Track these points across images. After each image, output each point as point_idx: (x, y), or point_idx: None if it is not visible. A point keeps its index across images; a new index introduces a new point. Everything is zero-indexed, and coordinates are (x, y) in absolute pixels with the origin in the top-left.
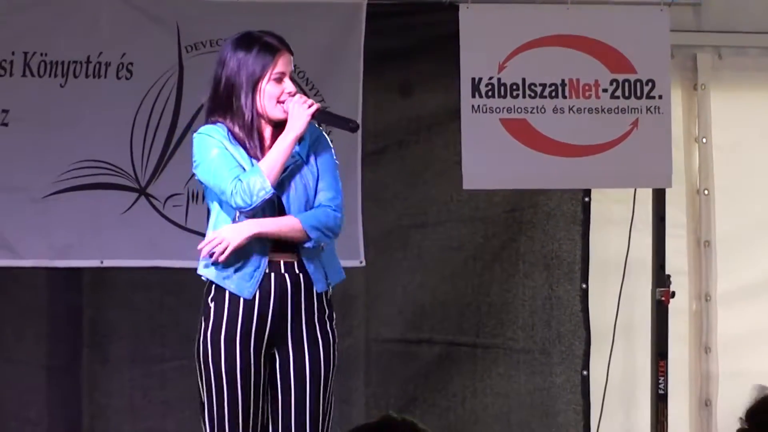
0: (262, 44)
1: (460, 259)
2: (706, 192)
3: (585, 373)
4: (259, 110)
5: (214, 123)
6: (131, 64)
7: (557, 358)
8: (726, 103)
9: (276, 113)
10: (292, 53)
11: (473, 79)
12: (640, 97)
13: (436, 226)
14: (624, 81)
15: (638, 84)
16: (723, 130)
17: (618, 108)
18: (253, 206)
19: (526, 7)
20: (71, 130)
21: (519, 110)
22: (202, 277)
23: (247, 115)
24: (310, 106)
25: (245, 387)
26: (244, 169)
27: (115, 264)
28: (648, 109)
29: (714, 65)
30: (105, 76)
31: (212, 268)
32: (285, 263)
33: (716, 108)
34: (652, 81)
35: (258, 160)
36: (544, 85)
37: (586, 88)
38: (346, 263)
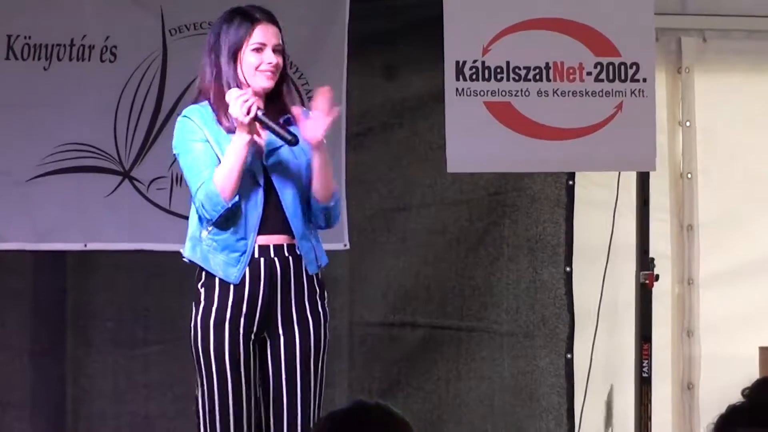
0: (242, 14)
1: (443, 242)
2: (689, 176)
3: (569, 356)
4: (241, 80)
5: (198, 102)
6: (115, 47)
7: (541, 341)
8: (710, 87)
9: (258, 82)
10: (278, 26)
11: (457, 62)
12: (625, 81)
13: (420, 209)
14: (608, 64)
15: (622, 67)
16: (707, 113)
17: (602, 91)
18: (214, 220)
19: None
20: (55, 114)
21: (503, 93)
22: (185, 260)
23: (232, 84)
24: (248, 112)
25: (235, 372)
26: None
27: (98, 247)
28: (632, 93)
29: (698, 48)
30: (89, 59)
31: (198, 251)
32: (275, 246)
33: (700, 91)
34: (637, 64)
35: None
36: (528, 68)
37: (570, 71)
38: (329, 246)
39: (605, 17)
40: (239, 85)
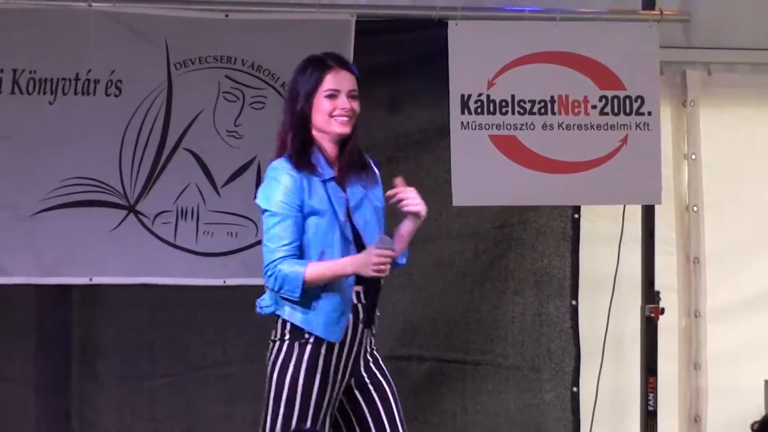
0: (315, 62)
1: (449, 275)
2: (695, 209)
3: (575, 389)
4: (315, 125)
5: (285, 156)
6: (120, 81)
7: (547, 374)
8: (715, 120)
9: (333, 128)
10: (352, 72)
11: (462, 96)
12: (630, 114)
13: (426, 243)
14: (613, 97)
15: (627, 100)
16: (712, 146)
17: (607, 124)
18: (273, 292)
19: (515, 23)
20: (60, 148)
21: (508, 127)
22: (262, 312)
23: (302, 132)
24: (377, 272)
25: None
26: (321, 212)
27: (104, 281)
28: (637, 126)
29: (703, 81)
30: (94, 93)
31: (288, 308)
32: (364, 293)
33: (705, 124)
34: (641, 97)
35: (322, 176)
36: (533, 102)
37: (575, 104)
38: None
39: (610, 51)
40: (310, 132)
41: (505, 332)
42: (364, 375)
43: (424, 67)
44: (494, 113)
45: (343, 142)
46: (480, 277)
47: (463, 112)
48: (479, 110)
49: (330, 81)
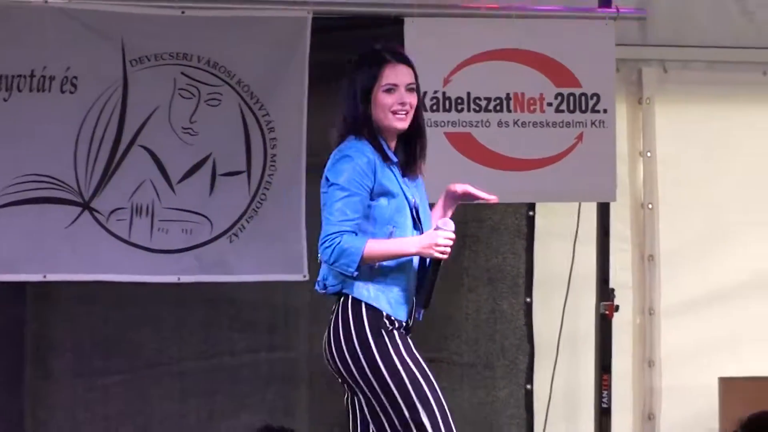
0: (372, 56)
1: None
2: (650, 206)
3: (529, 387)
4: (375, 121)
5: (357, 138)
6: (75, 78)
7: (501, 372)
8: (671, 117)
9: (392, 123)
10: (410, 65)
11: None
12: (585, 111)
13: None
14: (569, 95)
15: (583, 98)
16: (667, 144)
17: (563, 122)
18: (328, 263)
19: (471, 21)
20: (15, 145)
21: (464, 124)
22: (328, 291)
23: (363, 121)
24: (441, 252)
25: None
26: (393, 193)
27: (58, 278)
28: (593, 123)
29: (659, 79)
30: (49, 90)
31: (360, 287)
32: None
33: (661, 122)
34: (597, 95)
35: (391, 161)
36: (488, 99)
37: (531, 102)
38: (289, 277)
39: (566, 48)
40: (373, 126)
41: (459, 329)
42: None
43: None
44: (450, 111)
45: (405, 136)
46: None
47: None
48: (435, 108)
49: (388, 75)
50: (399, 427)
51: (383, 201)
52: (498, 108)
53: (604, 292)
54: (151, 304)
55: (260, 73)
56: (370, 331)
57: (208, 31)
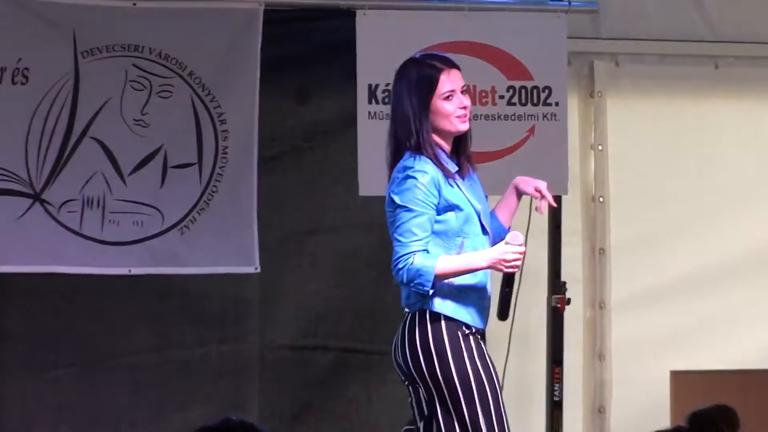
0: (423, 66)
1: (355, 265)
2: (601, 199)
3: None
4: (435, 126)
5: (416, 156)
6: (27, 69)
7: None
8: (622, 111)
9: (454, 127)
10: (458, 67)
11: (370, 86)
12: (537, 104)
13: (332, 233)
14: (521, 88)
15: (535, 91)
16: (619, 137)
17: (515, 115)
18: (402, 283)
19: (423, 13)
20: None
21: None
22: (410, 310)
23: (429, 139)
24: (511, 267)
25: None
26: (459, 207)
27: (8, 270)
28: (544, 116)
29: (611, 73)
30: (0, 81)
31: (438, 301)
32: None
33: (612, 115)
34: (549, 88)
35: (455, 180)
36: None
37: (483, 94)
38: (240, 269)
39: (518, 41)
40: (432, 138)
41: None
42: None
43: (332, 56)
44: None
45: (457, 137)
46: (386, 268)
47: (370, 102)
48: (386, 100)
49: (445, 83)
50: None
51: (451, 215)
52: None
53: (556, 286)
54: (102, 297)
55: (212, 65)
56: (449, 340)
57: (159, 22)
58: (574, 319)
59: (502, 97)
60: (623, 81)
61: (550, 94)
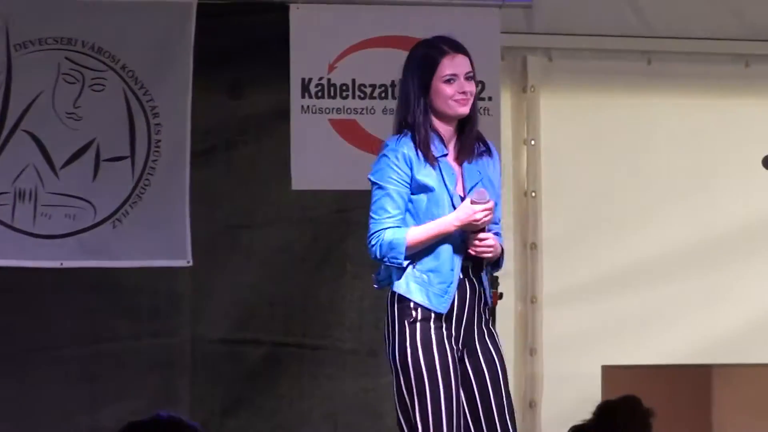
0: (428, 48)
1: (287, 259)
2: (533, 194)
3: None
4: (434, 109)
5: (403, 133)
6: None
7: (385, 359)
8: (555, 106)
9: (451, 110)
10: (465, 53)
11: (303, 80)
12: None
13: (265, 227)
14: None
15: None
16: (552, 132)
17: None
18: (378, 260)
19: (356, 7)
20: None
21: (348, 111)
22: (378, 286)
23: (421, 119)
24: (483, 223)
25: (458, 387)
26: (430, 188)
27: None
28: (477, 111)
29: (544, 67)
30: None
31: (401, 282)
32: (472, 268)
33: (545, 110)
34: (482, 83)
35: (435, 163)
36: (373, 86)
37: None
38: (173, 263)
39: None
40: (430, 118)
41: (343, 317)
42: (478, 347)
43: (265, 50)
44: (335, 97)
45: (461, 122)
46: (318, 262)
47: (303, 96)
48: (320, 94)
49: (447, 66)
50: (402, 422)
51: (422, 197)
52: (383, 95)
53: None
54: (33, 290)
55: (145, 58)
56: (398, 324)
57: (92, 16)
58: (505, 313)
59: None
60: (556, 76)
61: (483, 89)
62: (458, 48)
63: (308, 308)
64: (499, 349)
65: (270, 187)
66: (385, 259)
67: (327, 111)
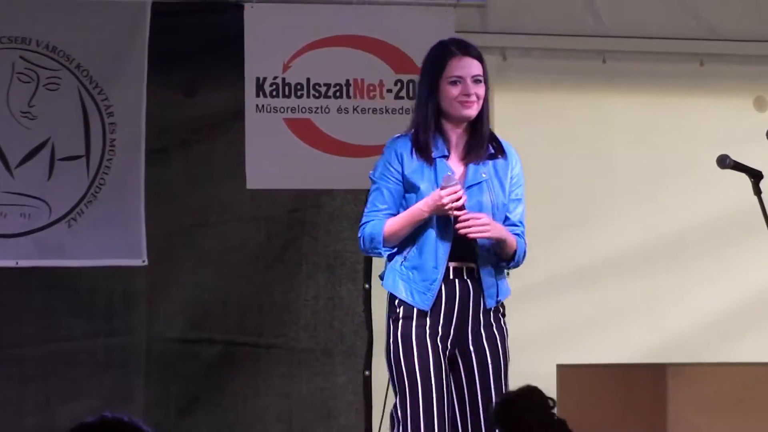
0: (439, 50)
1: (242, 258)
2: None
3: (367, 373)
4: (442, 109)
5: (408, 132)
6: None
7: (339, 358)
8: (510, 105)
9: (456, 111)
10: (476, 57)
11: (258, 79)
12: None
13: (219, 226)
14: (408, 81)
15: None
16: (507, 132)
17: (402, 108)
18: (364, 252)
19: (311, 6)
20: None
21: (303, 110)
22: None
23: (429, 118)
24: (454, 208)
25: (438, 386)
26: (417, 187)
27: None
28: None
29: (498, 67)
30: None
31: (389, 279)
32: (466, 269)
33: (500, 109)
34: None
35: (432, 163)
36: (328, 85)
37: (371, 88)
38: (127, 262)
39: (406, 34)
40: (436, 119)
41: (297, 316)
42: (471, 348)
43: (220, 49)
44: (289, 96)
45: (472, 124)
46: (273, 261)
47: (258, 95)
48: (274, 93)
49: (453, 68)
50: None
51: (413, 195)
52: (338, 94)
53: None
54: None
55: (100, 57)
56: (386, 320)
57: (47, 14)
58: None
59: (389, 90)
60: (511, 75)
61: None
62: (468, 50)
63: (263, 307)
64: (498, 350)
65: (225, 186)
66: (369, 251)
67: (282, 110)
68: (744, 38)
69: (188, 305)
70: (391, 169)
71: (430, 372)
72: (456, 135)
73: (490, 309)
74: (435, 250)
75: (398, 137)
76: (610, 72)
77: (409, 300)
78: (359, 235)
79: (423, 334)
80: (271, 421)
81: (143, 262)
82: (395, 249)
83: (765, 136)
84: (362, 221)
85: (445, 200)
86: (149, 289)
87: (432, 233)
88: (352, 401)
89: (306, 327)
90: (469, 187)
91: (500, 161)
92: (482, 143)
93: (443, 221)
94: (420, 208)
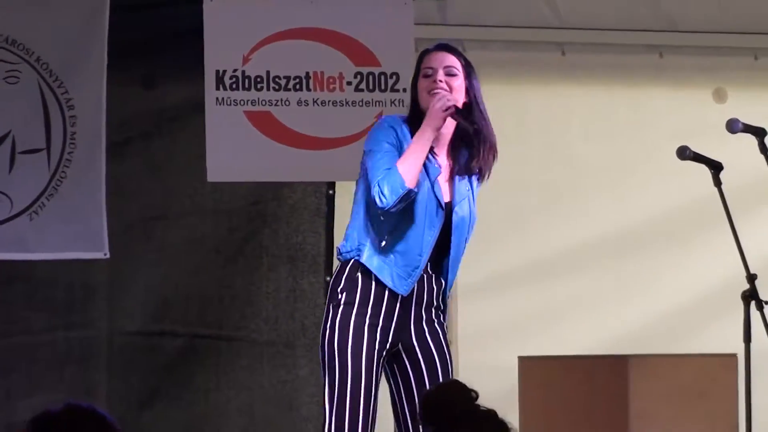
0: (421, 52)
1: (203, 251)
2: None
3: None
4: (420, 104)
5: (400, 115)
6: None
7: (301, 350)
8: None
9: (424, 103)
10: (452, 52)
11: (217, 72)
12: (385, 90)
13: (180, 219)
14: (368, 74)
15: (382, 77)
16: None
17: (362, 101)
18: (391, 205)
19: None
20: None
21: (263, 103)
22: (343, 258)
23: (412, 108)
24: (447, 108)
25: (369, 374)
26: None
27: None
28: (392, 102)
29: None
30: None
31: (367, 253)
32: (432, 264)
33: None
34: (396, 74)
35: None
36: (288, 78)
37: (331, 80)
38: (89, 255)
39: (365, 27)
40: (418, 110)
41: (259, 308)
42: (415, 343)
43: (179, 43)
44: (249, 89)
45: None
46: (234, 253)
47: (218, 88)
48: (234, 86)
49: (426, 61)
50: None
51: None
52: (297, 87)
53: None
54: None
55: (59, 51)
56: (327, 304)
57: (5, 8)
58: None
59: (349, 83)
60: None
61: (397, 81)
62: (444, 48)
63: (224, 300)
64: (442, 345)
65: (185, 179)
66: (394, 198)
67: (242, 103)
68: (703, 30)
69: (149, 298)
70: (390, 136)
71: (361, 366)
72: (442, 149)
73: (438, 305)
74: (422, 236)
75: (390, 116)
76: (569, 64)
77: (388, 283)
78: (377, 189)
79: (362, 323)
80: (233, 413)
81: (105, 255)
82: (377, 235)
83: (725, 128)
84: (374, 189)
85: (437, 105)
86: (110, 282)
87: (422, 220)
88: (314, 393)
89: (267, 320)
90: (462, 199)
91: (478, 181)
92: (473, 158)
93: (432, 209)
94: (425, 133)
